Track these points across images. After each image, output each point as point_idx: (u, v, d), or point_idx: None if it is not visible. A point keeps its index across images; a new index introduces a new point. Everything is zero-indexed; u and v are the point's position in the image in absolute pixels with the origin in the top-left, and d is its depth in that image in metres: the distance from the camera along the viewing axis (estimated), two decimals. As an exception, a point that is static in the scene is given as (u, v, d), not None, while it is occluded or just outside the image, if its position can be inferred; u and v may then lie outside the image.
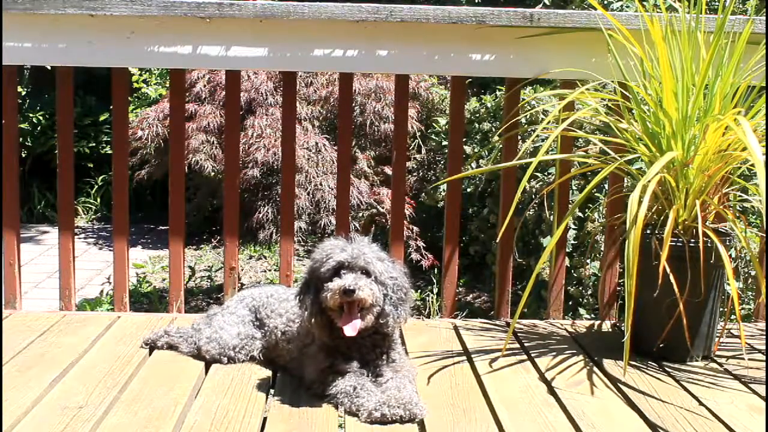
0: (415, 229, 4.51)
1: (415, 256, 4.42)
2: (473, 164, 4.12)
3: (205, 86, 5.32)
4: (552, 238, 2.38)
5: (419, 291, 4.17)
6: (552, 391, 2.13)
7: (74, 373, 2.16)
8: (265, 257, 5.16)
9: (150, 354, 2.32)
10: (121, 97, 2.76)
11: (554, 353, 2.44)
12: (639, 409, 2.02)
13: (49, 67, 5.28)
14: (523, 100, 2.98)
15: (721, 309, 2.44)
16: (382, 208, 4.83)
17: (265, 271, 4.86)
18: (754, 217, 3.37)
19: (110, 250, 4.62)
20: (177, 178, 2.80)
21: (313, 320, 1.99)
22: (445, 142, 4.56)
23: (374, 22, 2.59)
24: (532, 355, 2.42)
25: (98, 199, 7.00)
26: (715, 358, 2.43)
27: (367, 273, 1.94)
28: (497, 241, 2.82)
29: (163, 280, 4.64)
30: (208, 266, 4.95)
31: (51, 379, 2.10)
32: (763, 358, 2.45)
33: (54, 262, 2.88)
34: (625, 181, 2.77)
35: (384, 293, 1.97)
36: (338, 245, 1.98)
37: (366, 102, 5.13)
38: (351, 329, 1.92)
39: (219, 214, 5.55)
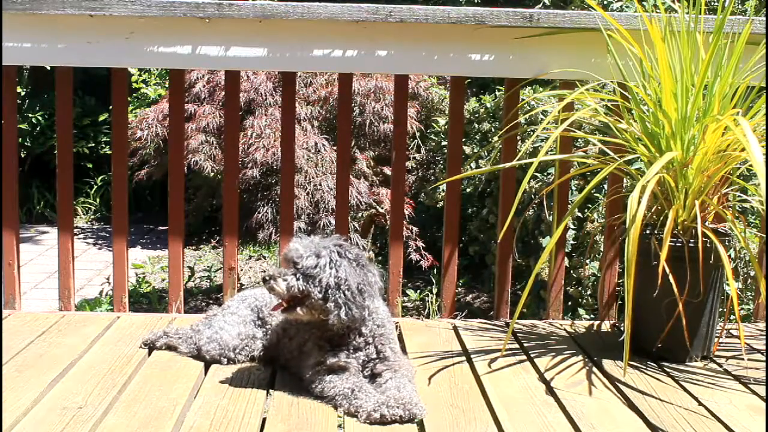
0: (415, 229, 4.51)
1: (414, 256, 4.42)
2: (473, 164, 4.12)
3: (204, 86, 5.32)
4: (551, 238, 2.38)
5: (418, 291, 4.17)
6: (551, 391, 2.13)
7: (73, 373, 2.16)
8: (264, 257, 5.16)
9: (149, 354, 2.32)
10: (121, 98, 2.76)
11: (553, 353, 2.44)
12: (638, 409, 2.02)
13: (48, 68, 5.29)
14: (523, 100, 2.98)
15: (720, 309, 2.44)
16: (382, 208, 4.83)
17: (264, 272, 4.86)
18: (753, 217, 3.37)
19: (110, 250, 4.62)
20: (176, 178, 2.80)
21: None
22: (444, 142, 4.56)
23: (374, 22, 2.59)
24: (532, 355, 2.42)
25: (98, 200, 7.00)
26: (715, 359, 2.44)
27: (296, 267, 2.00)
28: (497, 241, 2.82)
29: (163, 280, 4.64)
30: (208, 266, 4.95)
31: (50, 379, 2.10)
32: (763, 358, 2.45)
33: (53, 262, 2.88)
34: (625, 181, 2.77)
35: (321, 290, 1.97)
36: (297, 240, 2.05)
37: (365, 102, 5.12)
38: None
39: (218, 215, 5.55)
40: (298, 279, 1.98)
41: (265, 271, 2.02)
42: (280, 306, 2.03)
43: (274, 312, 2.26)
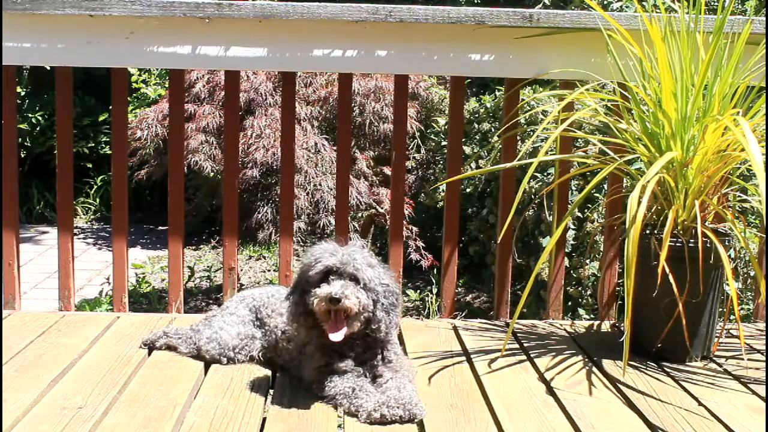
0: (415, 229, 4.51)
1: (414, 256, 4.42)
2: (472, 164, 4.12)
3: (204, 86, 5.32)
4: (551, 238, 2.38)
5: (418, 291, 4.17)
6: (551, 391, 2.13)
7: (73, 373, 2.16)
8: (264, 257, 5.16)
9: (149, 354, 2.32)
10: (121, 98, 2.76)
11: (553, 353, 2.44)
12: (638, 410, 2.02)
13: (48, 68, 5.29)
14: (523, 100, 2.97)
15: (720, 309, 2.44)
16: (382, 208, 4.83)
17: (264, 272, 4.86)
18: (753, 217, 3.37)
19: (109, 250, 4.62)
20: (176, 178, 2.80)
21: (294, 322, 2.01)
22: (444, 142, 4.56)
23: (373, 22, 2.59)
24: (532, 355, 2.42)
25: (97, 200, 7.01)
26: (714, 359, 2.44)
27: (355, 279, 1.92)
28: (497, 241, 2.82)
29: (163, 280, 4.64)
30: (208, 266, 4.95)
31: (50, 379, 2.10)
32: (763, 358, 2.45)
33: (53, 262, 2.88)
34: (625, 181, 2.77)
35: (374, 299, 1.96)
36: (328, 249, 1.96)
37: (365, 102, 5.13)
38: (337, 336, 1.91)
39: (218, 215, 5.55)
40: (361, 293, 1.92)
41: (330, 292, 1.91)
42: (344, 325, 1.91)
43: (272, 314, 2.27)
